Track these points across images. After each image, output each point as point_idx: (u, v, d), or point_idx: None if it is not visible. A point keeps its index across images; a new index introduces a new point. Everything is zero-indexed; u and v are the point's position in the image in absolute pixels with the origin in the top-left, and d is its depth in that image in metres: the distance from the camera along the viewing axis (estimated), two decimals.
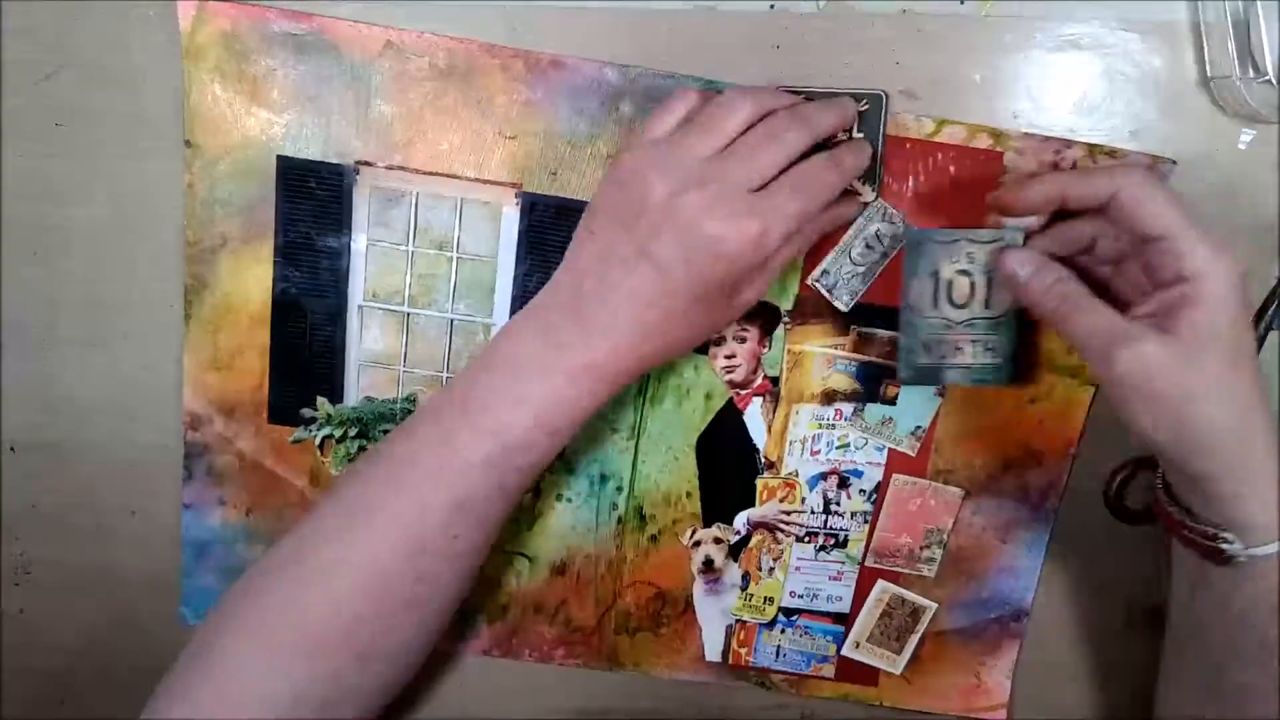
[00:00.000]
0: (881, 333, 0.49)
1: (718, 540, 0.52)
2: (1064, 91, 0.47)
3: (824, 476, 0.51)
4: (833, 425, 0.51)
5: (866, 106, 0.46)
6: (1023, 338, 0.47)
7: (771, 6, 0.45)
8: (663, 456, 0.51)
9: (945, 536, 0.52)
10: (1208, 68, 0.46)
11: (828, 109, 0.43)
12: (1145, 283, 0.40)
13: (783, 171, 0.41)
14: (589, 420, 0.42)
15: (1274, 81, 0.44)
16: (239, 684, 0.40)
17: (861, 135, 0.45)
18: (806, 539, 0.52)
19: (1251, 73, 0.44)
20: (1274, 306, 0.47)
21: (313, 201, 0.47)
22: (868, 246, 0.47)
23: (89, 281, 0.49)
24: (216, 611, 0.42)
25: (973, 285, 0.45)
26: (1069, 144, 0.47)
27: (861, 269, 0.48)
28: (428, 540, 0.40)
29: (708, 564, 0.53)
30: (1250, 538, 0.39)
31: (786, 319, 0.49)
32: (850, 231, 0.47)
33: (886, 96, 0.46)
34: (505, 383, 0.41)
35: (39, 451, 0.51)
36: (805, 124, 0.41)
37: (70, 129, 0.47)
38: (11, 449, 0.51)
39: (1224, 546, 0.39)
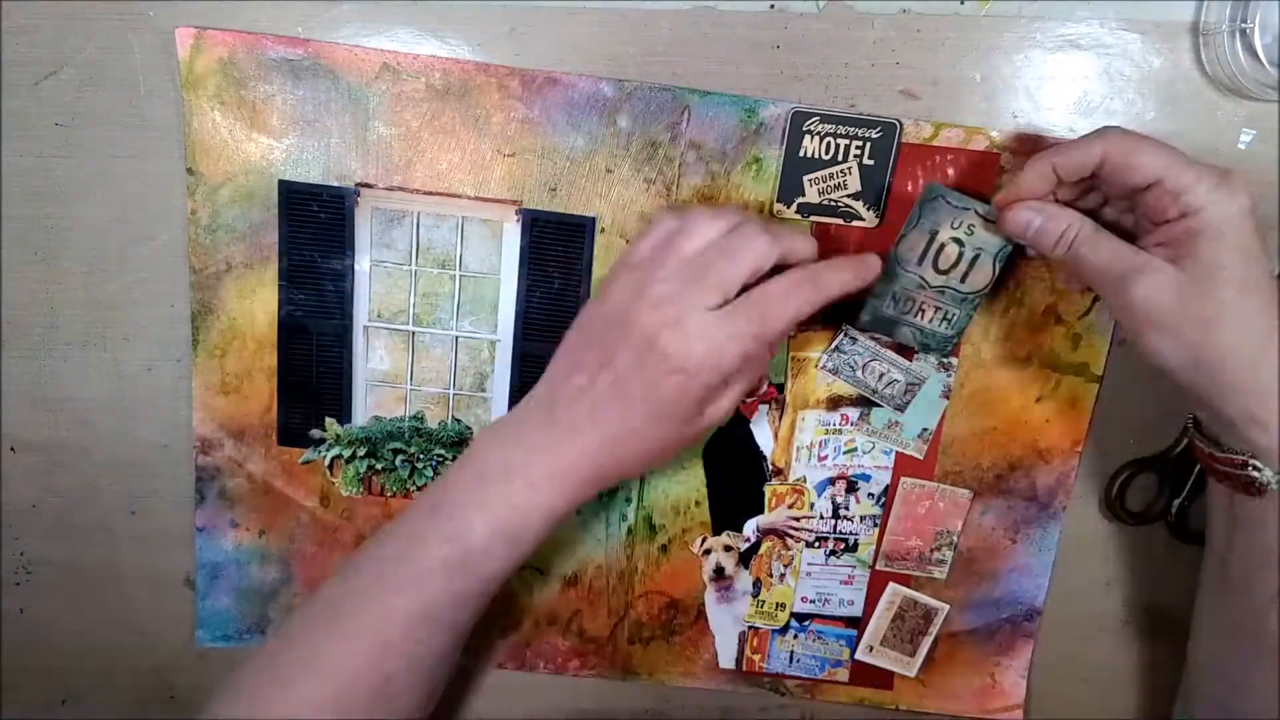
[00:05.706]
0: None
1: (728, 548, 0.53)
2: (1064, 91, 0.46)
3: (832, 481, 0.52)
4: (839, 430, 0.51)
5: (880, 134, 0.46)
6: (972, 321, 0.48)
7: (771, 6, 0.45)
8: (671, 466, 0.51)
9: (955, 538, 0.52)
10: (1207, 67, 0.45)
11: (795, 234, 0.43)
12: (1151, 225, 0.40)
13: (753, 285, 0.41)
14: (556, 527, 0.43)
15: (1274, 81, 0.44)
16: None
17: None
18: (816, 544, 0.52)
19: (1251, 73, 0.43)
20: None
21: (315, 224, 0.47)
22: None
23: (89, 281, 0.49)
24: (224, 691, 0.43)
25: (960, 256, 0.45)
26: None
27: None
28: (391, 646, 0.41)
29: (718, 572, 0.53)
30: (1277, 462, 0.39)
31: None
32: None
33: (900, 125, 0.46)
34: (470, 487, 0.42)
35: (39, 451, 0.51)
36: (775, 242, 0.41)
37: (70, 129, 0.47)
38: (11, 449, 0.51)
39: (1253, 474, 0.40)
